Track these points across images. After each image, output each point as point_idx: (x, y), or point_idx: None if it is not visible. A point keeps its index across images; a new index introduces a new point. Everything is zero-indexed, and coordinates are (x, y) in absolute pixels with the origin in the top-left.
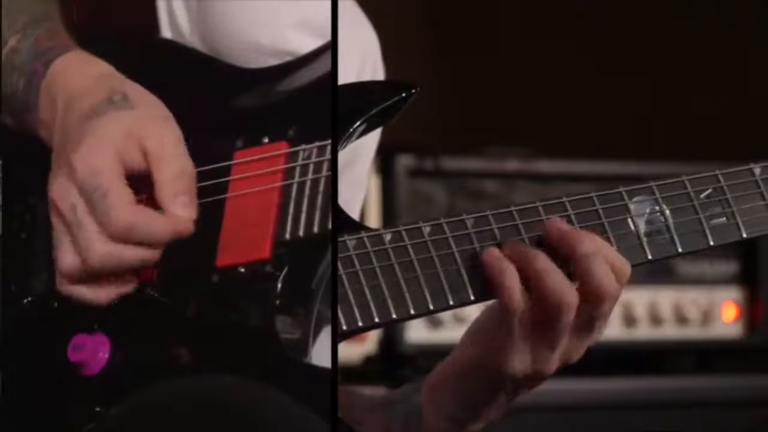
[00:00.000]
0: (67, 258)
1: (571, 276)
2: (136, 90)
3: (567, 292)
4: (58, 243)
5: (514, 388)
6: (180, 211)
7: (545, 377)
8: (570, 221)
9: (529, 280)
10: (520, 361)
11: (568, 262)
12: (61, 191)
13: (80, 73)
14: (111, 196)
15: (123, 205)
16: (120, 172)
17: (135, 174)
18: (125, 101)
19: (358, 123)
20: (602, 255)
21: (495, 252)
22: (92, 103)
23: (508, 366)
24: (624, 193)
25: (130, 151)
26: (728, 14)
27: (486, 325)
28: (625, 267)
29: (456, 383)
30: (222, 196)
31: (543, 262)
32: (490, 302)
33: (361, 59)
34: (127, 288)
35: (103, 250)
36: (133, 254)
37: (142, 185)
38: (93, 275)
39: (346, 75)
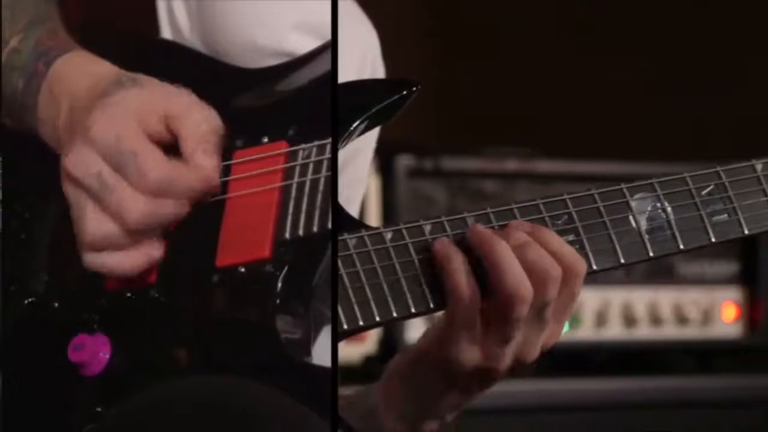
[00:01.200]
0: (95, 225)
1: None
2: (141, 75)
3: (522, 286)
4: (80, 215)
5: (465, 382)
6: (204, 160)
7: (497, 374)
8: (571, 218)
9: (487, 266)
10: (468, 352)
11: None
12: (82, 161)
13: (83, 73)
14: (141, 155)
15: (156, 161)
16: (143, 134)
17: (156, 143)
18: (134, 81)
19: (358, 121)
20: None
21: (444, 240)
22: (101, 88)
23: (455, 356)
24: (625, 190)
25: (149, 121)
26: (729, 14)
27: (439, 323)
28: (578, 266)
29: (405, 378)
30: (222, 197)
31: (502, 249)
32: None
33: (361, 58)
34: (157, 255)
35: (143, 206)
36: (170, 209)
37: (166, 153)
38: (123, 239)
39: (345, 74)
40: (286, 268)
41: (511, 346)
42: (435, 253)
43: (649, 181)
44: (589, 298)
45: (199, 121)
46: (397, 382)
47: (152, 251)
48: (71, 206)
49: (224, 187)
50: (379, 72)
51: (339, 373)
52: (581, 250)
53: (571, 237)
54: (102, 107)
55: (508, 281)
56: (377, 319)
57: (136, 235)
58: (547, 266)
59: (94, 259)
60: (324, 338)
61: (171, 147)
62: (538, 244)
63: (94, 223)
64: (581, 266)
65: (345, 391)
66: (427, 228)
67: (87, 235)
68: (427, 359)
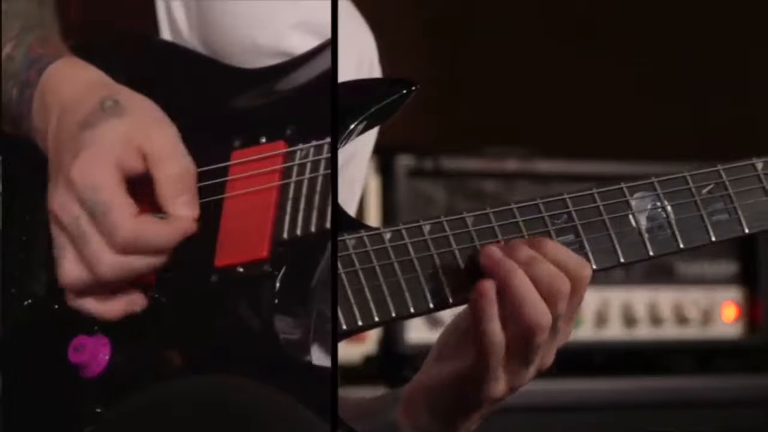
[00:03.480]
0: (72, 270)
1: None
2: (127, 94)
3: (541, 313)
4: (60, 255)
5: (492, 405)
6: (182, 211)
7: (519, 389)
8: (571, 218)
9: (506, 298)
10: (497, 386)
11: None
12: (62, 204)
13: (71, 81)
14: (113, 210)
15: (126, 219)
16: (120, 182)
17: (135, 178)
18: (117, 107)
19: (357, 121)
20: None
21: (487, 286)
22: (84, 114)
23: (487, 390)
24: (625, 189)
25: (129, 157)
26: (729, 14)
27: (459, 340)
28: (583, 270)
29: (432, 400)
30: (220, 197)
31: (519, 280)
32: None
33: (358, 60)
34: (137, 305)
35: (112, 261)
36: (141, 262)
37: (143, 188)
38: (100, 287)
39: (342, 76)
40: (284, 268)
41: (533, 367)
42: (478, 296)
43: (649, 180)
44: (589, 298)
45: (174, 167)
46: (420, 400)
47: (133, 302)
48: (54, 244)
49: (222, 187)
50: (376, 74)
51: (339, 373)
52: (581, 249)
53: (570, 236)
54: (84, 144)
55: (526, 313)
56: (376, 319)
57: (110, 284)
58: (557, 284)
59: (75, 302)
60: (323, 338)
61: (148, 181)
62: (545, 259)
63: (70, 266)
64: (587, 272)
65: (347, 392)
66: (427, 228)
67: (64, 276)
68: (452, 388)
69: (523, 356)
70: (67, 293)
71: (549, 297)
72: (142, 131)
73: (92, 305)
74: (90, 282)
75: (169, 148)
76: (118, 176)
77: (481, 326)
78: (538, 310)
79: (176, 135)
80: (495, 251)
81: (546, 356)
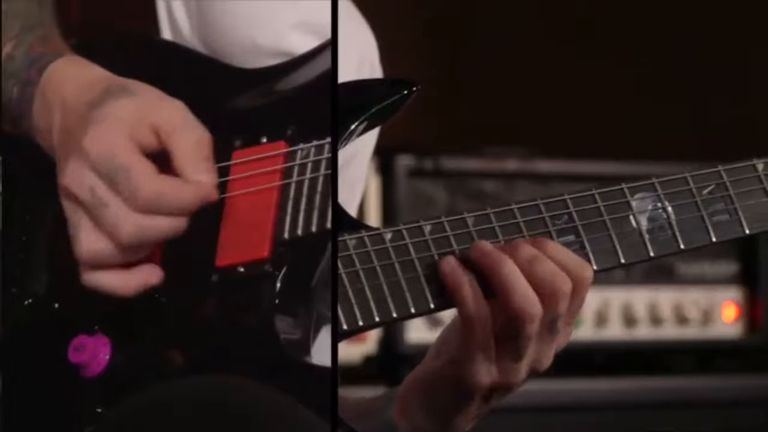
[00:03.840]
0: (90, 242)
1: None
2: (132, 82)
3: (529, 300)
4: (76, 230)
5: (483, 399)
6: (202, 176)
7: (515, 387)
8: (571, 218)
9: (494, 287)
10: (486, 372)
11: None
12: (76, 176)
13: (73, 79)
14: (133, 170)
15: (148, 177)
16: (136, 148)
17: (149, 154)
18: (124, 90)
19: (357, 122)
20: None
21: (452, 261)
22: (92, 97)
23: (474, 377)
24: (626, 189)
25: (141, 132)
26: (729, 13)
27: (450, 335)
28: (583, 270)
29: (424, 396)
30: (221, 196)
31: (509, 269)
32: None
33: (359, 60)
34: (154, 278)
35: (134, 223)
36: (164, 224)
37: (158, 165)
38: (119, 257)
39: (343, 76)
40: (285, 268)
41: (525, 361)
42: (444, 277)
43: (650, 180)
44: (589, 298)
45: (189, 135)
46: (414, 398)
47: (150, 276)
48: (68, 222)
49: (223, 187)
50: (376, 74)
51: (339, 373)
52: (582, 250)
53: (571, 237)
54: (94, 120)
55: (516, 301)
56: (377, 319)
57: (130, 251)
58: (558, 283)
59: (91, 278)
60: (324, 338)
61: (164, 158)
62: (547, 258)
63: (89, 239)
64: (588, 273)
65: (347, 392)
66: (427, 228)
67: (82, 251)
68: (443, 377)
69: (514, 348)
70: (84, 270)
71: (550, 295)
72: (151, 108)
73: (109, 280)
74: (110, 252)
75: (182, 119)
76: (133, 144)
77: (457, 297)
78: (527, 298)
79: (185, 108)
80: (484, 243)
81: (544, 357)
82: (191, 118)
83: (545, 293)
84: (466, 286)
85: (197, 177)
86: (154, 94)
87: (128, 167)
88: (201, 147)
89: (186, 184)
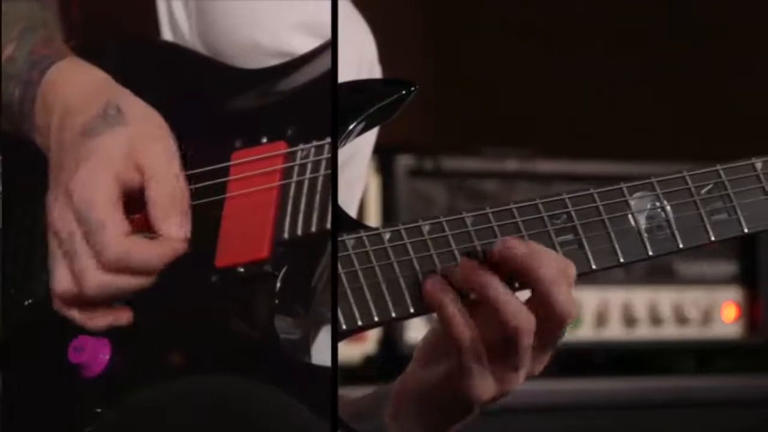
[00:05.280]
0: (62, 282)
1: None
2: (129, 102)
3: (524, 319)
4: (54, 264)
5: (480, 407)
6: (172, 232)
7: (510, 392)
8: (570, 218)
9: (479, 303)
10: (484, 387)
11: (515, 279)
12: (60, 217)
13: (73, 81)
14: (104, 228)
15: (115, 238)
16: (116, 198)
17: (133, 191)
18: (119, 115)
19: (356, 122)
20: (562, 277)
21: (435, 283)
22: (86, 120)
23: (474, 392)
24: (624, 189)
25: (127, 171)
26: (729, 14)
27: (438, 345)
28: (570, 269)
29: (420, 404)
30: (221, 197)
31: (496, 289)
32: None
33: (358, 61)
34: (122, 320)
35: (98, 280)
36: (128, 283)
37: (140, 201)
38: (86, 302)
39: (343, 76)
40: (284, 268)
41: (523, 371)
42: (426, 297)
43: (649, 180)
44: (589, 298)
45: (166, 186)
46: (407, 406)
47: (118, 318)
48: (50, 252)
49: (223, 187)
50: (376, 74)
51: (339, 373)
52: (580, 249)
53: (570, 236)
54: (84, 155)
55: (508, 317)
56: (376, 319)
57: (95, 301)
58: (573, 311)
59: (62, 309)
60: (324, 338)
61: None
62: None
63: (61, 276)
64: (572, 268)
65: (346, 392)
66: (426, 228)
67: (54, 285)
68: (440, 392)
69: (512, 360)
70: (55, 300)
71: (555, 322)
72: (142, 144)
73: (78, 316)
74: (76, 297)
75: (164, 167)
76: (116, 191)
77: (445, 325)
78: (517, 312)
79: (173, 152)
80: (466, 262)
81: (537, 365)
82: (174, 166)
83: (555, 316)
84: (450, 306)
85: (167, 231)
86: (147, 125)
87: (101, 223)
88: (175, 200)
89: (153, 244)
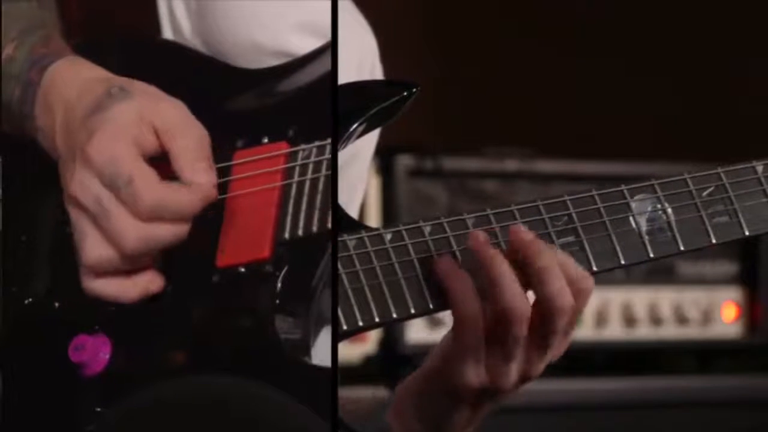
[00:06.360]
0: (95, 250)
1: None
2: (131, 82)
3: (519, 300)
4: (81, 237)
5: (473, 401)
6: (201, 178)
7: (504, 392)
8: (571, 219)
9: (486, 284)
10: (474, 373)
11: (526, 272)
12: (82, 185)
13: (74, 79)
14: (135, 179)
15: (149, 185)
16: (138, 155)
17: (152, 156)
18: (124, 92)
19: (357, 123)
20: (559, 270)
21: (447, 261)
22: (92, 100)
23: (462, 378)
24: (626, 191)
25: (142, 135)
26: (729, 14)
27: (445, 339)
28: (585, 282)
29: (416, 398)
30: (222, 197)
31: (499, 268)
32: None
33: (359, 61)
34: (155, 285)
35: (137, 233)
36: (166, 231)
37: (160, 165)
38: (123, 265)
39: (343, 77)
40: (285, 268)
41: (515, 364)
42: (438, 276)
43: (650, 182)
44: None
45: (186, 136)
46: (408, 401)
47: (150, 284)
48: (74, 228)
49: (224, 187)
50: (377, 75)
51: (339, 373)
52: (581, 251)
53: (571, 238)
54: (96, 126)
55: (506, 297)
56: (377, 319)
57: (134, 259)
58: (560, 301)
59: (93, 285)
60: (324, 338)
61: (166, 158)
62: (557, 274)
63: (93, 247)
64: (590, 285)
65: (346, 392)
66: (427, 229)
67: (87, 258)
68: (435, 377)
69: (503, 349)
70: (86, 277)
71: (552, 313)
72: (152, 108)
73: (111, 287)
74: (114, 259)
75: (180, 120)
76: (136, 150)
77: (450, 293)
78: (515, 297)
79: (185, 107)
80: (480, 234)
81: (534, 367)
82: (189, 117)
83: (548, 309)
84: (460, 285)
85: (195, 178)
86: (153, 94)
87: (131, 175)
88: (198, 147)
89: (185, 188)
